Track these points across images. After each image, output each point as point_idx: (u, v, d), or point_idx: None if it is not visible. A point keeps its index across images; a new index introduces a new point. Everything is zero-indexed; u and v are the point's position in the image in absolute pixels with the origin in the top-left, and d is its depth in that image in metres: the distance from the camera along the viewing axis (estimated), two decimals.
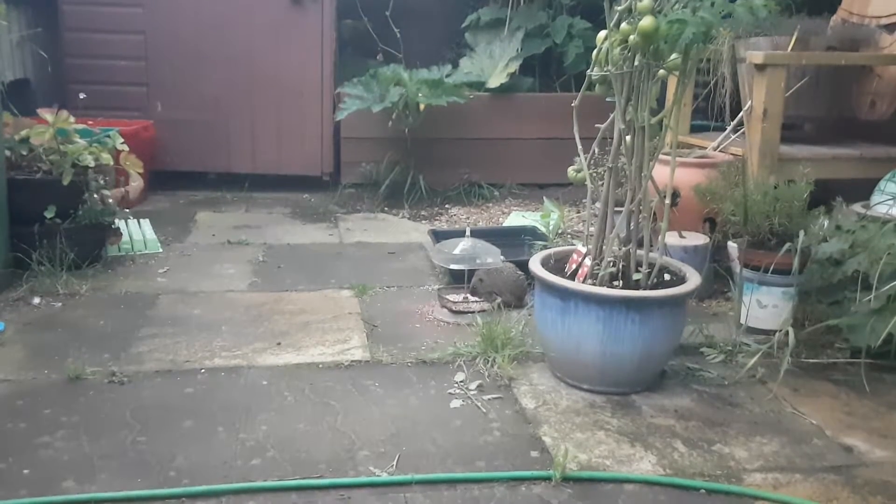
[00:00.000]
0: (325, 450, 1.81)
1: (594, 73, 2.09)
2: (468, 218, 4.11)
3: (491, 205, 4.36)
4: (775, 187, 2.48)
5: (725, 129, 3.30)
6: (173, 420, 1.94)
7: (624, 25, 1.94)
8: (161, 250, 3.36)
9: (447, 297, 2.73)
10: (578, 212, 4.05)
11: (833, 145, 3.13)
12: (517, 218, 3.91)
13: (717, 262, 2.86)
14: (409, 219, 4.09)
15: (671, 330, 2.09)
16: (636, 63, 2.01)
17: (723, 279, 2.82)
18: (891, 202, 2.68)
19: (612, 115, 2.11)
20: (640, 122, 2.05)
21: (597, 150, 2.17)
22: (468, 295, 2.72)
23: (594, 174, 2.17)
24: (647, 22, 1.84)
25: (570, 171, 2.22)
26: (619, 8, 1.97)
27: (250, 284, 2.99)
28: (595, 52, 2.10)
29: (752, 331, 2.50)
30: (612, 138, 2.12)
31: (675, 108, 2.11)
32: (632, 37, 1.89)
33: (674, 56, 2.02)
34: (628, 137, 2.09)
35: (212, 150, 4.50)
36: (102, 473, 1.70)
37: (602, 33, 2.06)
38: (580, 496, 1.66)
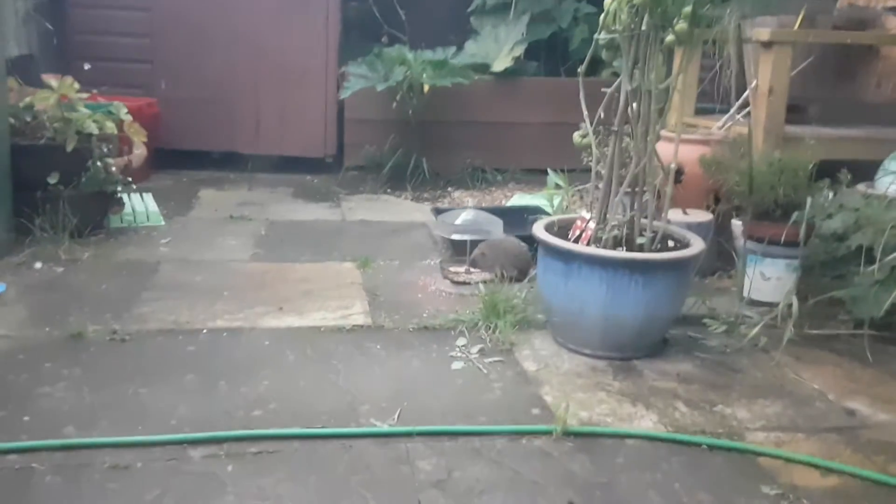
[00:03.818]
0: (327, 404, 1.81)
1: (602, 36, 2.09)
2: (471, 201, 4.10)
3: (494, 189, 4.34)
4: (780, 160, 2.48)
5: (730, 111, 3.29)
6: (175, 374, 1.93)
7: None
8: (163, 223, 3.36)
9: (449, 268, 2.72)
10: (581, 197, 4.04)
11: (838, 126, 3.13)
12: (521, 199, 3.90)
13: (721, 241, 2.85)
14: (411, 200, 4.08)
15: (675, 294, 2.09)
16: (644, 26, 2.01)
17: (726, 256, 2.81)
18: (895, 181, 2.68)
19: (618, 80, 2.11)
20: (646, 86, 2.05)
21: (602, 114, 2.16)
22: (471, 267, 2.71)
23: (600, 136, 2.16)
24: None
25: (576, 135, 2.22)
26: None
27: (253, 255, 2.98)
28: (602, 15, 2.09)
29: (755, 303, 2.50)
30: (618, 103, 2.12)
31: (681, 75, 2.11)
32: None
33: (681, 24, 2.02)
34: (634, 104, 2.09)
35: (215, 130, 4.49)
36: (103, 421, 1.70)
37: None
38: (581, 449, 1.66)
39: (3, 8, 3.20)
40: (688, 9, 1.98)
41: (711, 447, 1.68)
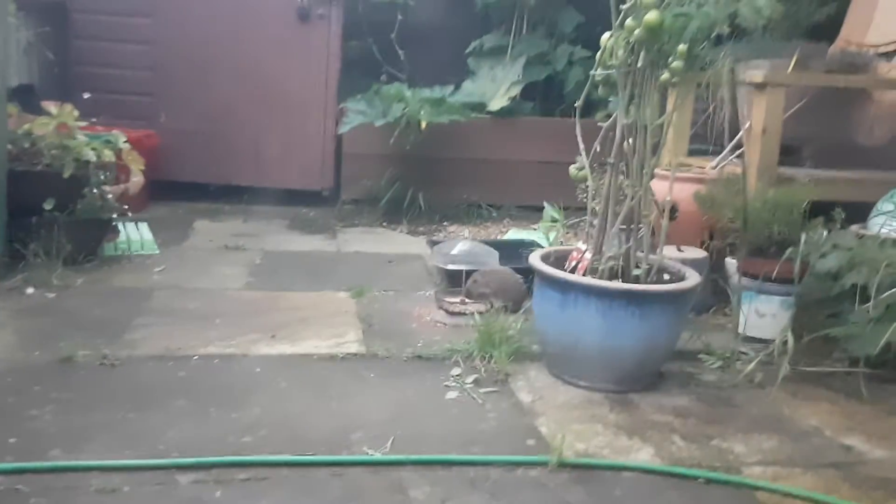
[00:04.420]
0: (319, 430, 1.78)
1: (598, 72, 2.12)
2: (467, 235, 4.11)
3: (489, 224, 4.36)
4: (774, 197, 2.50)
5: (724, 152, 3.32)
6: (165, 400, 1.91)
7: (629, 22, 1.97)
8: (158, 251, 3.35)
9: (444, 299, 2.71)
10: (576, 234, 4.06)
11: (831, 167, 3.16)
12: (516, 233, 3.92)
13: (716, 277, 2.86)
14: (407, 233, 4.09)
15: (671, 326, 2.08)
16: (640, 63, 2.04)
17: (721, 292, 2.81)
18: (887, 221, 2.70)
19: (614, 114, 2.13)
20: (642, 121, 2.07)
21: (598, 148, 2.18)
22: (465, 297, 2.70)
23: (595, 171, 2.18)
24: (652, 15, 1.88)
25: (572, 169, 2.23)
26: (625, 6, 2.01)
27: (247, 284, 2.97)
28: (599, 53, 2.13)
29: (750, 340, 2.49)
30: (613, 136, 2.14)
31: (675, 112, 2.14)
32: (636, 31, 1.92)
33: (676, 62, 2.05)
34: (630, 139, 2.11)
35: (214, 162, 4.51)
36: (91, 444, 1.67)
37: (606, 34, 2.09)
38: (577, 481, 1.63)
39: (6, 38, 3.22)
40: (683, 47, 2.02)
41: (709, 481, 1.66)
